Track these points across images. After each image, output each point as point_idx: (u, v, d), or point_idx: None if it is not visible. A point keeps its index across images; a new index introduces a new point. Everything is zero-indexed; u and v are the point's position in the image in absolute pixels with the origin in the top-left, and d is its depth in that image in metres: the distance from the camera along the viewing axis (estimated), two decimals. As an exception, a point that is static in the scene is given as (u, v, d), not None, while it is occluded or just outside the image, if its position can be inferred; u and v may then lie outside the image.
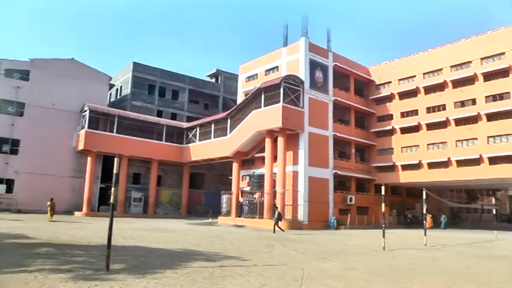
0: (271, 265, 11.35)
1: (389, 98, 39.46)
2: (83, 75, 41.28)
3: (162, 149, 41.71)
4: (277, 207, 28.27)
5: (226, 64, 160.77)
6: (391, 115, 39.16)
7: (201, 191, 46.66)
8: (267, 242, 18.23)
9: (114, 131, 39.22)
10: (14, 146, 37.56)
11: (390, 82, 39.67)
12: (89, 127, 38.22)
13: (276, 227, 25.47)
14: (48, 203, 28.94)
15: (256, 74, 39.90)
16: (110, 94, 48.98)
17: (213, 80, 54.05)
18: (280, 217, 26.40)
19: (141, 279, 8.52)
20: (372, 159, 40.06)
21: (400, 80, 39.02)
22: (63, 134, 39.41)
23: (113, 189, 9.82)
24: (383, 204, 17.39)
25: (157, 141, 41.51)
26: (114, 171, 9.82)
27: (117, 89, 50.21)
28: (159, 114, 46.59)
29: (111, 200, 9.71)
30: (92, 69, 42.52)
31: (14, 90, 38.03)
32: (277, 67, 37.68)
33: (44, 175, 37.71)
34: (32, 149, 37.74)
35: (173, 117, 47.53)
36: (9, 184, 36.87)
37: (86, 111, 38.80)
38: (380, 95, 40.11)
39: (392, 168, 38.23)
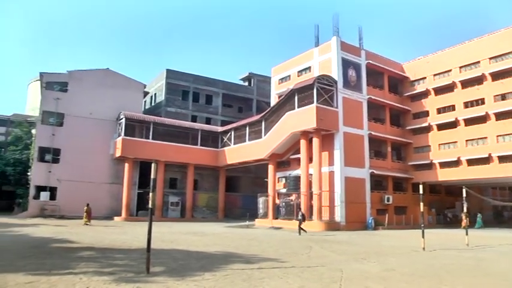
0: (310, 266, 11.36)
1: (425, 94, 38.62)
2: (118, 84, 42.47)
3: (197, 153, 42.24)
4: (300, 209, 28.22)
5: (259, 67, 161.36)
6: (427, 112, 38.30)
7: (238, 194, 46.96)
8: (304, 244, 18.21)
9: (150, 137, 39.98)
10: (55, 155, 39.13)
11: (425, 78, 38.86)
12: (125, 134, 39.22)
13: (300, 228, 25.24)
14: (85, 208, 30.20)
15: (289, 76, 39.89)
16: (145, 101, 49.88)
17: (246, 84, 54.35)
18: (304, 218, 26.20)
19: (181, 282, 8.72)
20: (408, 157, 39.24)
21: (435, 75, 38.18)
22: (100, 141, 40.59)
23: (150, 194, 9.95)
24: (421, 204, 17.06)
25: (192, 146, 42.04)
26: (152, 176, 10.10)
27: (151, 96, 51.26)
28: (194, 119, 47.24)
29: (150, 205, 9.97)
30: (126, 78, 43.66)
31: (54, 102, 39.70)
32: (309, 67, 37.53)
33: (84, 182, 38.98)
34: (72, 158, 39.13)
35: (208, 121, 48.13)
36: (52, 191, 38.47)
37: (122, 119, 39.84)
38: (415, 92, 39.32)
39: (429, 166, 37.39)
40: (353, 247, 17.42)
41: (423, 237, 16.55)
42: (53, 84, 41.17)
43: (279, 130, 34.65)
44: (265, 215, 35.93)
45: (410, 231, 30.49)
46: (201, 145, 42.55)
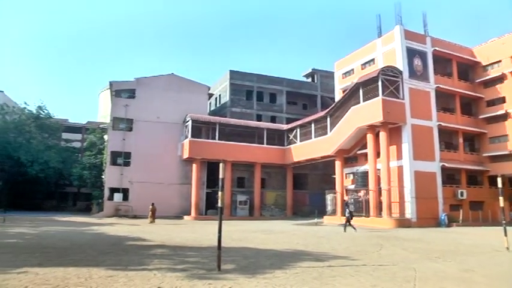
0: (381, 265, 11.23)
1: (500, 78, 36.14)
2: (183, 88, 43.96)
3: (264, 152, 42.73)
4: (348, 205, 27.58)
5: (322, 62, 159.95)
6: (503, 98, 35.81)
7: (305, 191, 46.88)
8: (375, 241, 17.91)
9: (217, 138, 40.93)
10: (126, 158, 41.25)
11: (500, 61, 36.30)
12: (192, 136, 40.50)
13: (347, 225, 24.68)
14: (150, 207, 32.23)
15: (352, 69, 39.36)
16: (210, 103, 50.95)
17: (310, 80, 54.17)
18: (351, 215, 25.64)
19: (252, 279, 8.92)
20: (483, 148, 36.84)
21: (512, 56, 35.82)
22: (168, 144, 42.17)
23: (220, 193, 10.27)
24: (501, 198, 15.61)
25: (258, 145, 42.60)
26: (220, 176, 10.31)
27: (216, 98, 52.37)
28: (259, 118, 47.79)
29: (219, 204, 10.31)
30: (191, 82, 45.05)
31: (123, 108, 41.94)
32: (373, 60, 36.85)
33: (154, 183, 40.73)
34: (142, 160, 41.05)
35: (272, 120, 48.56)
36: (125, 193, 40.66)
37: (188, 121, 41.17)
38: (488, 77, 36.96)
39: (508, 157, 34.66)
40: (426, 245, 16.90)
41: (506, 235, 15.21)
42: (121, 91, 43.49)
43: (345, 125, 34.27)
44: (333, 212, 35.70)
45: (488, 228, 28.92)
46: (267, 144, 42.94)
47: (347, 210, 25.98)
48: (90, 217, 38.83)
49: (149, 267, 10.27)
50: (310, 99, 52.94)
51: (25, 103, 57.22)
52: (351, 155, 36.86)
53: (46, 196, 59.93)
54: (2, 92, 60.66)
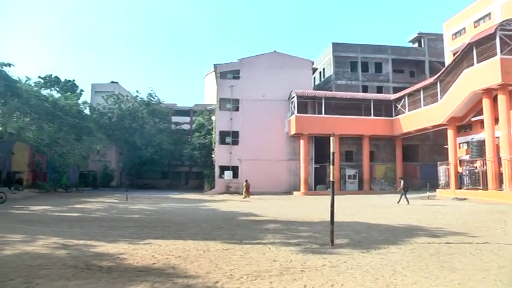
0: (508, 244, 10.56)
1: None
2: (286, 64, 44.70)
3: (371, 124, 42.28)
4: (402, 178, 26.89)
5: (428, 25, 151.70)
6: None
7: (416, 163, 45.65)
8: (497, 217, 16.71)
9: (323, 112, 41.25)
10: (234, 137, 43.39)
11: None
12: (298, 112, 41.23)
13: (401, 198, 25.18)
14: (244, 183, 34.90)
15: (464, 29, 37.42)
16: (314, 78, 51.08)
17: (416, 45, 52.06)
18: (406, 188, 25.72)
19: (366, 254, 9.08)
20: None
21: None
22: (275, 121, 43.50)
23: (331, 167, 10.54)
24: None
25: (366, 117, 42.16)
26: (331, 150, 10.59)
27: (320, 72, 52.52)
28: (364, 89, 47.39)
29: (331, 178, 10.56)
30: (294, 58, 45.60)
31: (229, 89, 44.01)
32: (488, 14, 34.51)
33: (263, 160, 42.50)
34: (249, 138, 42.89)
35: (379, 90, 47.81)
36: (235, 170, 42.91)
37: (293, 97, 41.93)
38: None
39: None
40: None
41: None
42: (226, 73, 45.51)
43: (457, 91, 32.24)
44: (447, 185, 34.05)
45: None
46: (375, 115, 42.36)
47: (402, 182, 26.84)
48: (202, 194, 41.61)
49: (263, 241, 10.86)
50: (418, 66, 51.09)
51: (137, 91, 63.17)
52: (464, 123, 34.73)
53: (161, 176, 64.95)
54: (117, 83, 66.92)
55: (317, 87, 49.94)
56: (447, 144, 35.70)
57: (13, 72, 33.64)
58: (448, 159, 34.89)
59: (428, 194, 32.44)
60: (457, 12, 39.00)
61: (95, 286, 6.57)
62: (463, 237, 11.64)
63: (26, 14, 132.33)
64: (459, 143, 35.92)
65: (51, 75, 48.53)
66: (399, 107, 41.98)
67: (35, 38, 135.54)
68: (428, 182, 35.36)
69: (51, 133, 38.91)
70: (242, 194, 36.11)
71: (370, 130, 42.49)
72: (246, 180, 36.31)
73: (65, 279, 6.96)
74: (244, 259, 8.69)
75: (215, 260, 8.61)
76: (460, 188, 31.92)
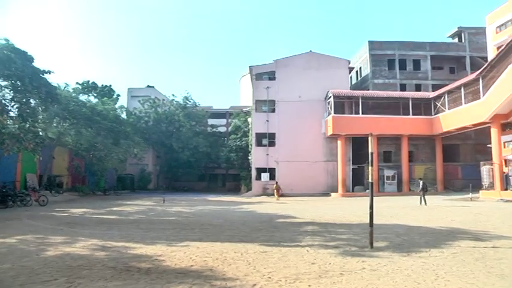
0: None
1: None
2: (322, 64, 44.48)
3: (410, 123, 41.49)
4: (421, 178, 26.74)
5: (469, 18, 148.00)
6: None
7: (457, 163, 44.46)
8: None
9: (360, 112, 40.72)
10: (270, 139, 43.46)
11: None
12: (335, 112, 40.91)
13: (422, 199, 25.28)
14: (274, 185, 35.42)
15: (509, 21, 36.23)
16: (351, 77, 50.62)
17: (456, 40, 50.67)
18: (426, 188, 25.88)
19: (407, 258, 8.97)
20: None
21: None
22: (311, 122, 43.31)
23: (370, 168, 10.51)
24: None
25: (404, 116, 41.41)
26: (370, 150, 10.55)
27: (356, 71, 51.99)
28: (402, 88, 46.60)
29: (369, 179, 10.52)
30: (330, 57, 45.34)
31: (265, 91, 44.21)
32: None
33: (300, 161, 42.41)
34: (286, 140, 42.88)
35: (417, 88, 46.91)
36: (271, 172, 42.90)
37: (330, 97, 41.60)
38: None
39: None
40: None
41: None
42: (261, 74, 45.69)
43: (502, 86, 30.97)
44: (490, 186, 33.00)
45: None
46: (413, 114, 41.56)
47: (420, 183, 26.81)
48: (239, 196, 41.77)
49: (301, 244, 10.89)
50: (458, 62, 49.76)
51: (173, 95, 64.34)
52: (510, 121, 34.13)
53: (197, 178, 65.26)
54: (153, 87, 68.25)
55: (354, 87, 49.55)
56: (490, 143, 34.37)
57: (52, 79, 34.69)
58: (491, 159, 33.64)
59: (470, 195, 31.48)
60: (501, 4, 37.65)
61: (134, 287, 6.74)
62: (510, 241, 11.25)
63: (63, 22, 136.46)
64: (504, 142, 34.45)
65: (88, 81, 49.74)
66: (439, 105, 40.99)
67: (73, 45, 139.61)
68: (471, 183, 34.32)
69: (90, 137, 39.93)
70: (275, 195, 36.53)
71: (409, 130, 41.70)
72: (276, 182, 37.22)
73: (105, 280, 7.18)
74: (282, 262, 8.72)
75: (253, 262, 8.65)
76: (506, 189, 30.77)
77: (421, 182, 27.36)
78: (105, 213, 21.16)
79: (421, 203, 25.71)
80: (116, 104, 50.05)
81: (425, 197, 26.15)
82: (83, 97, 46.23)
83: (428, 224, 15.30)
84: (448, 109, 39.36)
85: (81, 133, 39.45)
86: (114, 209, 24.43)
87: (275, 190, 36.53)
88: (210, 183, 67.13)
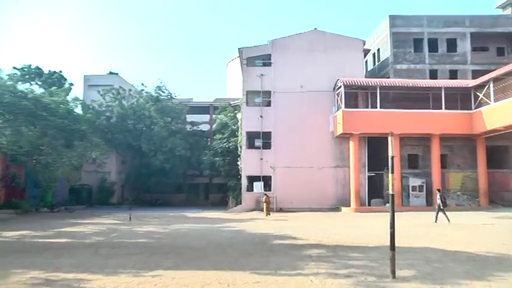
0: None
1: None
2: (330, 45, 44.44)
3: (442, 119, 41.28)
4: (439, 190, 27.20)
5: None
6: None
7: (507, 170, 44.07)
8: None
9: (378, 105, 40.66)
10: (265, 139, 43.33)
11: None
12: (346, 106, 40.66)
13: (439, 214, 25.89)
14: (263, 198, 35.52)
15: None
16: (366, 62, 50.96)
17: (508, 12, 50.66)
18: (444, 203, 26.32)
19: None
20: None
21: None
22: (317, 118, 43.20)
23: (390, 175, 10.37)
24: None
25: (435, 111, 41.29)
26: (389, 153, 10.45)
27: (373, 54, 52.23)
28: (433, 74, 46.65)
29: (389, 190, 10.40)
30: (340, 37, 45.27)
31: (258, 79, 44.15)
32: None
33: (302, 168, 42.28)
34: (285, 140, 42.78)
35: (452, 75, 46.84)
36: (266, 181, 42.74)
37: (340, 87, 41.41)
38: None
39: None
40: None
41: None
42: (254, 58, 45.49)
43: None
44: None
45: None
46: (447, 108, 41.27)
47: (438, 195, 27.00)
48: (226, 212, 42.11)
49: (304, 272, 10.93)
50: (509, 40, 49.45)
51: (142, 84, 63.68)
52: None
53: (173, 189, 65.82)
54: (117, 74, 68.03)
55: (370, 74, 49.63)
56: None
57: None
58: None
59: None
60: None
61: None
62: None
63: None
64: None
65: (30, 65, 49.25)
66: (481, 96, 40.60)
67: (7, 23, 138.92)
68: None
69: (33, 138, 38.34)
70: (264, 211, 36.84)
71: (441, 127, 41.49)
72: (265, 194, 37.34)
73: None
74: (280, 295, 8.53)
75: (243, 296, 8.46)
76: None
77: (438, 194, 27.61)
78: (53, 236, 20.99)
79: (436, 220, 26.08)
80: (68, 95, 49.33)
81: (443, 211, 26.39)
82: (23, 86, 45.60)
83: (469, 249, 15.19)
84: (495, 101, 38.83)
85: (21, 133, 38.00)
86: (65, 229, 24.25)
87: (264, 204, 36.80)
88: (190, 196, 67.40)
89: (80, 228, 24.97)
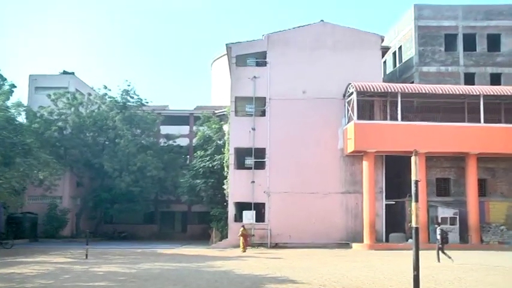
0: None
1: None
2: (339, 41, 44.54)
3: (480, 135, 41.08)
4: (439, 223, 28.07)
5: None
6: None
7: None
8: None
9: (398, 117, 40.64)
10: (258, 157, 43.10)
11: None
12: (359, 117, 40.68)
13: (440, 252, 26.18)
14: (240, 230, 36.18)
15: None
16: (385, 62, 51.22)
17: None
18: (446, 239, 26.85)
19: None
20: None
21: None
22: (322, 132, 43.12)
23: (413, 204, 10.33)
24: None
25: (471, 124, 41.26)
26: (413, 177, 10.39)
27: (394, 53, 52.23)
28: (469, 79, 46.19)
29: (413, 223, 10.39)
30: (352, 31, 45.47)
31: (250, 83, 44.06)
32: None
33: (303, 193, 42.00)
34: (282, 159, 42.74)
35: (494, 80, 46.45)
36: (259, 209, 42.60)
37: (351, 94, 41.46)
38: None
39: None
40: None
41: None
42: (245, 57, 45.55)
43: None
44: None
45: None
46: (486, 121, 41.15)
47: (438, 229, 27.99)
48: (208, 248, 42.19)
49: None
50: None
51: (105, 87, 62.76)
52: None
53: (143, 219, 66.21)
54: (72, 74, 67.24)
55: (389, 78, 49.63)
56: None
57: None
58: None
59: None
60: None
61: None
62: None
63: None
64: None
65: (-46, 62, 49.01)
66: (532, 106, 40.72)
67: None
68: None
69: None
70: (240, 246, 37.23)
71: (479, 145, 41.42)
72: (243, 226, 37.64)
73: None
74: None
75: None
76: None
77: (438, 229, 27.85)
78: (-23, 280, 20.57)
79: (438, 260, 26.27)
80: (8, 99, 48.56)
81: (442, 250, 26.78)
82: None
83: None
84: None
85: None
86: (-1, 271, 23.85)
87: (241, 237, 36.99)
88: (163, 227, 67.55)
89: (20, 269, 24.51)
